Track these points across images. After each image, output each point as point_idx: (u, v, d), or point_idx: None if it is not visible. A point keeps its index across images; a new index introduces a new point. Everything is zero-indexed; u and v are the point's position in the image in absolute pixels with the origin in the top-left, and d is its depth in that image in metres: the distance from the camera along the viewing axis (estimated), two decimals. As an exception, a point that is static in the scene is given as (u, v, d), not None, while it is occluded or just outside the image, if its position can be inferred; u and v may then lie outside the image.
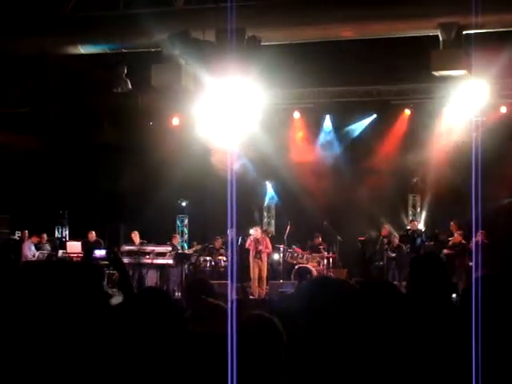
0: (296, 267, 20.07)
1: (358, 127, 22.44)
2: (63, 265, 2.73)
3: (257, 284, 19.30)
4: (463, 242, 18.98)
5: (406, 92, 21.01)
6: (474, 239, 16.98)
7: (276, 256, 20.87)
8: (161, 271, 19.92)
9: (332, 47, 18.37)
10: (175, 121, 21.70)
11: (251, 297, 18.57)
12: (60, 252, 20.55)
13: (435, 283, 4.36)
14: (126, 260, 19.93)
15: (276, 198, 23.47)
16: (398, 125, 21.81)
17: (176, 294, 18.53)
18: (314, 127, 22.54)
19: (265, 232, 21.09)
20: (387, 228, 20.98)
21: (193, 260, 20.82)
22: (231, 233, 18.81)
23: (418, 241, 20.30)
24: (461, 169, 17.74)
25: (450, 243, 19.35)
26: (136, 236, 20.21)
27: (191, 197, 22.97)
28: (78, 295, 2.58)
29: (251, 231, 20.27)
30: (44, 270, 2.63)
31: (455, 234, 19.40)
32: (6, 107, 21.51)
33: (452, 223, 19.64)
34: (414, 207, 22.60)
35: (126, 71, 17.91)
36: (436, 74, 16.15)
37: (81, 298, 2.60)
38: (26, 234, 20.60)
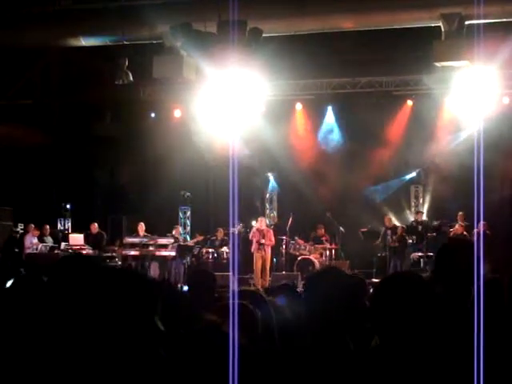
0: (298, 259, 20.09)
1: (360, 118, 22.39)
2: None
3: (260, 276, 19.30)
4: (464, 233, 18.92)
5: (409, 83, 20.95)
6: (475, 230, 16.97)
7: (279, 248, 20.88)
8: (163, 263, 19.93)
9: (333, 38, 18.34)
10: (177, 112, 21.67)
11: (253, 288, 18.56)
12: (62, 244, 20.55)
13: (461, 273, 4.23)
14: (128, 252, 19.99)
15: (278, 190, 23.45)
16: (401, 115, 21.78)
17: (178, 285, 18.54)
18: (316, 118, 22.51)
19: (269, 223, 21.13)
20: (390, 219, 20.98)
21: (195, 252, 20.83)
22: (237, 227, 18.84)
23: (422, 232, 20.29)
24: (463, 160, 17.71)
25: (451, 234, 19.32)
26: (142, 227, 20.19)
27: (194, 188, 22.95)
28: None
29: (254, 223, 20.26)
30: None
31: (457, 225, 19.36)
32: (9, 99, 21.51)
33: (459, 214, 19.50)
34: (417, 198, 22.58)
35: (127, 63, 17.91)
36: (438, 64, 16.13)
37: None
38: (32, 227, 20.58)
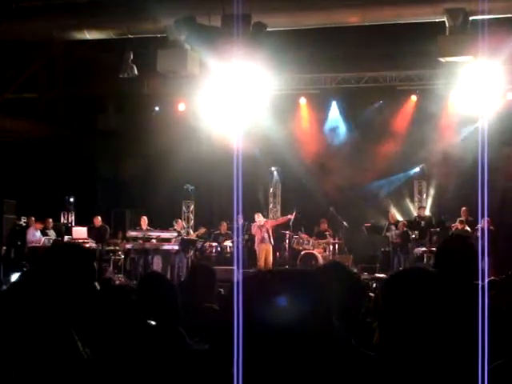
0: (302, 253, 20.09)
1: (365, 113, 22.41)
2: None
3: (263, 270, 19.30)
4: (466, 229, 18.86)
5: (413, 78, 20.95)
6: (479, 226, 16.94)
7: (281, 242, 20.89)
8: (166, 257, 19.94)
9: (338, 33, 18.31)
10: (181, 106, 21.67)
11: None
12: (66, 238, 20.55)
13: (461, 268, 4.29)
14: (131, 245, 20.00)
15: (282, 184, 23.45)
16: (405, 111, 21.77)
17: (181, 279, 18.55)
18: (320, 113, 22.51)
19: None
20: (393, 215, 20.98)
21: (198, 246, 20.83)
22: (238, 219, 18.84)
23: (424, 227, 20.27)
24: (467, 155, 17.70)
25: (453, 230, 19.28)
26: (145, 221, 20.21)
27: (197, 182, 22.96)
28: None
29: (256, 218, 20.27)
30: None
31: (457, 222, 19.28)
32: (13, 93, 21.52)
33: (463, 209, 19.46)
34: (420, 193, 22.57)
35: (132, 57, 17.90)
36: (442, 60, 16.09)
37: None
38: (33, 220, 20.60)
